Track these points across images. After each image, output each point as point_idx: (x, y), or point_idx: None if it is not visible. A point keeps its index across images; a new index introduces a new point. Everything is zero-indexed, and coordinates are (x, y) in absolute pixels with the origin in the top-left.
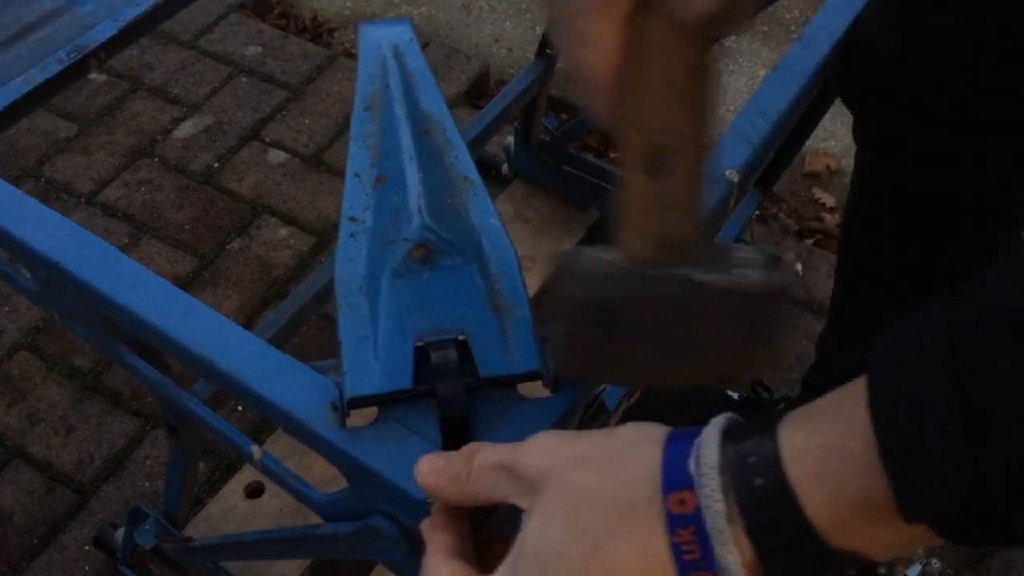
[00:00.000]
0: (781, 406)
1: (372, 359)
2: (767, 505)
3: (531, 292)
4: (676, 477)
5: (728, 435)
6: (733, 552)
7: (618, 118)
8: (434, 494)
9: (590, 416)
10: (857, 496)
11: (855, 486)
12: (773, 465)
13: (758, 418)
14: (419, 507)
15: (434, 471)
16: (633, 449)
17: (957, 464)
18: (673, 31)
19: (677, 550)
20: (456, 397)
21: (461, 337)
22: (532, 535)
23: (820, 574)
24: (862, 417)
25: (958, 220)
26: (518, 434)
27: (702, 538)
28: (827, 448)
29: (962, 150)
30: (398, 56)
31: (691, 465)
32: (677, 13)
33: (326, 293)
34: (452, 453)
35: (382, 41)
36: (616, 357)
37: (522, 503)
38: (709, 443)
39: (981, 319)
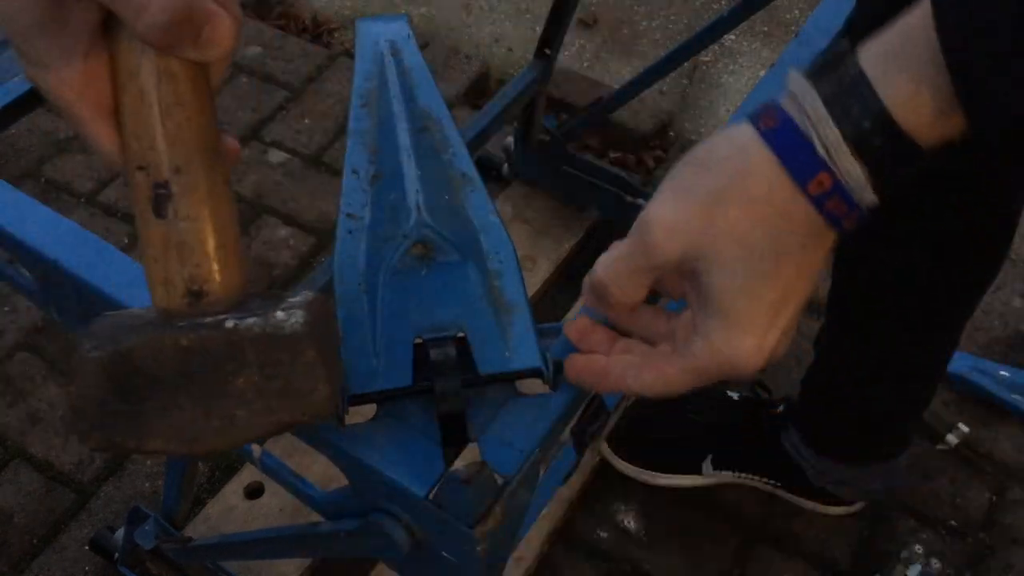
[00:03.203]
0: (781, 407)
1: (371, 356)
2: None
3: (531, 291)
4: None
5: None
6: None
7: (121, 154)
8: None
9: (590, 414)
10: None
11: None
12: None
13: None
14: (419, 504)
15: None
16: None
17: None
18: (150, 56)
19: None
20: (455, 394)
21: (460, 334)
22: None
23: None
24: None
25: (955, 215)
26: (517, 431)
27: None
28: (900, 40)
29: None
30: (395, 52)
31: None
32: (131, 29)
33: (326, 293)
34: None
35: (379, 37)
36: (149, 421)
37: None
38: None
39: None
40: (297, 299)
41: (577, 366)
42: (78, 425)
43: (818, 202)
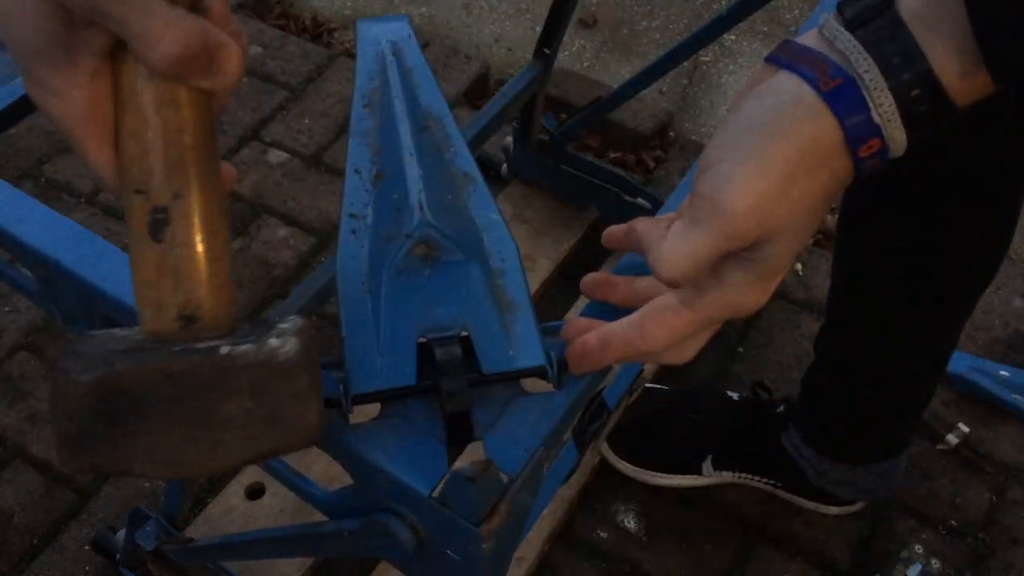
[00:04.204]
0: (781, 407)
1: (375, 355)
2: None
3: (531, 291)
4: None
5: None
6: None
7: (119, 177)
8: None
9: (591, 414)
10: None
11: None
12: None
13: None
14: (423, 502)
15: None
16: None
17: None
18: (155, 82)
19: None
20: (459, 393)
21: (464, 333)
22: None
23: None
24: None
25: (955, 212)
26: (521, 430)
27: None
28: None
29: (957, 138)
30: (397, 52)
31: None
32: (143, 59)
33: (326, 293)
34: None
35: (380, 37)
36: (135, 445)
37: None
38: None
39: None
40: (287, 325)
41: (575, 354)
42: (61, 448)
43: (861, 162)
